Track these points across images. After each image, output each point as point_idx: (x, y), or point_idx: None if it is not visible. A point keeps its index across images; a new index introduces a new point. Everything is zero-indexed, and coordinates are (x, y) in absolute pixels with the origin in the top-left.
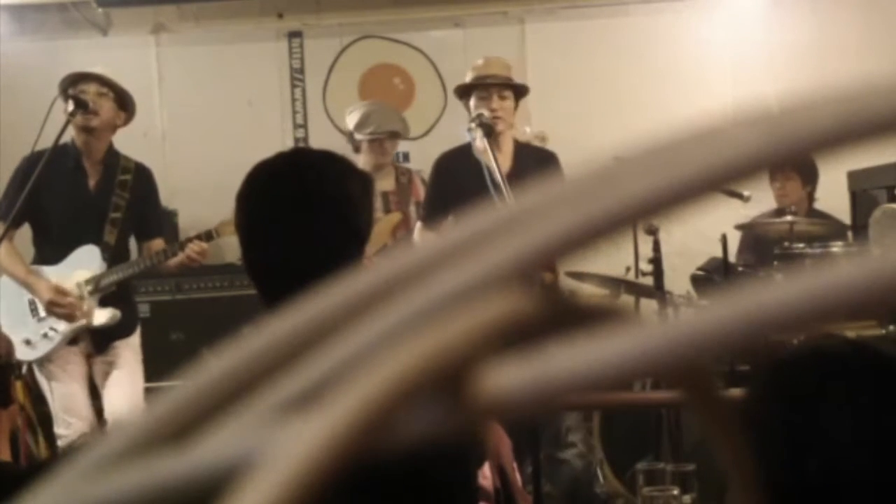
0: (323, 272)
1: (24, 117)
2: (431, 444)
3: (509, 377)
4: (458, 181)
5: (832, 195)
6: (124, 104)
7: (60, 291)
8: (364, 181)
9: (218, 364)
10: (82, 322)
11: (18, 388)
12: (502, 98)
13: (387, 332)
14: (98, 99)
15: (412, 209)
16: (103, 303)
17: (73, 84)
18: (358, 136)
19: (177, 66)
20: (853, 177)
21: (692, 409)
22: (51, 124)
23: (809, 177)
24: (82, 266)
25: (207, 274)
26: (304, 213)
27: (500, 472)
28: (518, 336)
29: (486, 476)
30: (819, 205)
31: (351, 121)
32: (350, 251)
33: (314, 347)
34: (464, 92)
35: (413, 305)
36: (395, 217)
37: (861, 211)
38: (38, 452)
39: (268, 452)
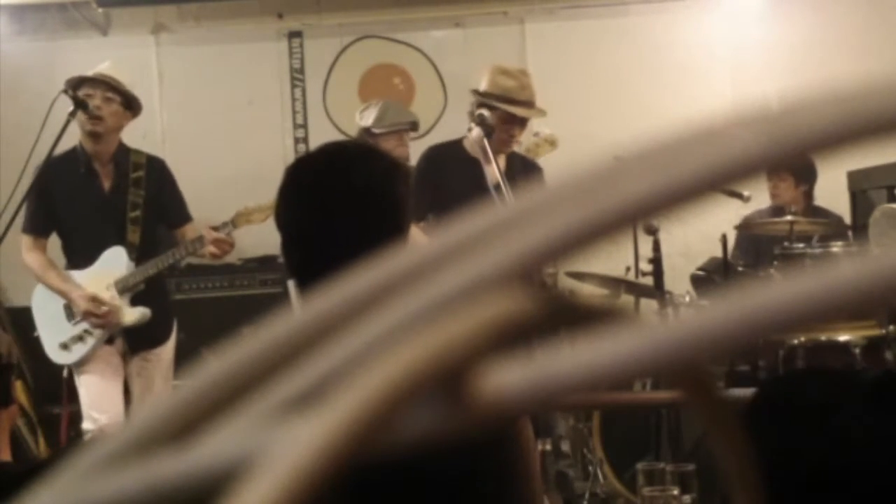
0: None
1: (24, 117)
2: (431, 442)
3: (509, 377)
4: (446, 175)
5: (832, 195)
6: (130, 105)
7: (96, 300)
8: (407, 176)
9: (218, 364)
10: (115, 323)
11: (18, 389)
12: (523, 126)
13: (387, 331)
14: (105, 105)
15: None
16: (135, 303)
17: (78, 86)
18: (378, 130)
19: (177, 66)
20: (853, 177)
21: (692, 409)
22: (51, 124)
23: (804, 176)
24: (110, 268)
25: (207, 274)
26: (354, 211)
27: None
28: (518, 336)
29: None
30: (819, 204)
31: (369, 116)
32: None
33: (314, 347)
34: (487, 101)
35: (413, 305)
36: None
37: (861, 211)
38: (38, 452)
39: (268, 452)
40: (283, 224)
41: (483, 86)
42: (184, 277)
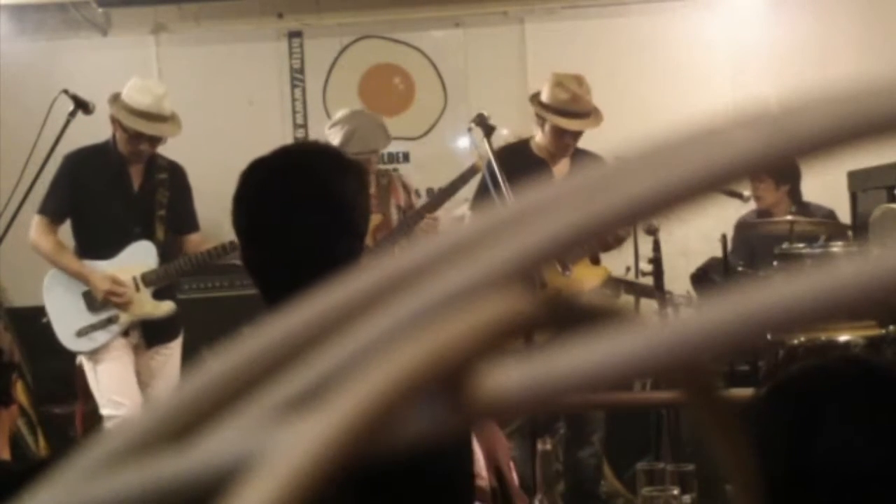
0: (324, 271)
1: (24, 117)
2: (431, 441)
3: (509, 377)
4: (511, 177)
5: (832, 195)
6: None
7: (116, 281)
8: (360, 175)
9: (218, 364)
10: (141, 313)
11: (19, 389)
12: (576, 137)
13: (388, 331)
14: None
15: (392, 211)
16: (156, 297)
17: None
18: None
19: (177, 66)
20: (853, 177)
21: (692, 409)
22: (51, 124)
23: (783, 177)
24: (138, 261)
25: (207, 274)
26: (304, 213)
27: (497, 473)
28: (518, 336)
29: (482, 476)
30: (808, 200)
31: (334, 138)
32: (349, 248)
33: (314, 347)
34: (542, 112)
35: (414, 305)
36: (376, 219)
37: (861, 211)
38: (38, 452)
39: (268, 452)
40: (241, 227)
41: (544, 96)
42: (184, 277)
